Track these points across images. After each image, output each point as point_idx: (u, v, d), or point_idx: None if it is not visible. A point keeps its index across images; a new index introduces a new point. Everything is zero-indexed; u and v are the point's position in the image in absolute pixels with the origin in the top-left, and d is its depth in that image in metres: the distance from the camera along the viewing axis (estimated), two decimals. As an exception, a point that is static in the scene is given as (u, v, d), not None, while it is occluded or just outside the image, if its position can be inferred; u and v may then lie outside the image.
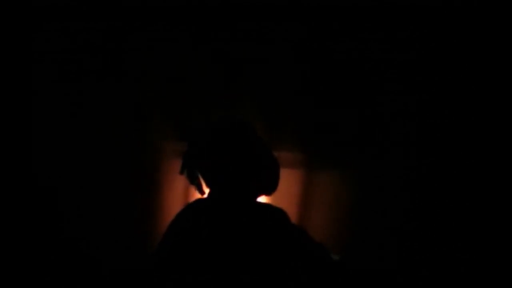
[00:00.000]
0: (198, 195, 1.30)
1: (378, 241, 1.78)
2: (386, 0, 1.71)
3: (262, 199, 1.31)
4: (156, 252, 1.22)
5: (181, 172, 1.27)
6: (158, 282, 1.17)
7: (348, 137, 1.83)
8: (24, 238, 1.80)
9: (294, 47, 1.82)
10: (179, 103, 1.88)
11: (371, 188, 1.82)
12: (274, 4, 1.75)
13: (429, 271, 1.72)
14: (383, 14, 1.74)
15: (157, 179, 1.90)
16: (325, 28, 1.79)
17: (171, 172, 1.88)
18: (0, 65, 1.77)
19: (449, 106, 1.75)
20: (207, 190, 1.28)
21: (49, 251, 1.82)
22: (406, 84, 1.78)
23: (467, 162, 1.72)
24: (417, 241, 1.76)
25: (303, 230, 1.28)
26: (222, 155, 1.20)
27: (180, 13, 1.80)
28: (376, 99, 1.81)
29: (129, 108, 1.87)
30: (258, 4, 1.75)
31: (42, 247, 1.82)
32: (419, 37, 1.75)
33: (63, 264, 1.82)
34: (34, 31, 1.80)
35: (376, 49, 1.77)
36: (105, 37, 1.82)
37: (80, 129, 1.85)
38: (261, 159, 1.24)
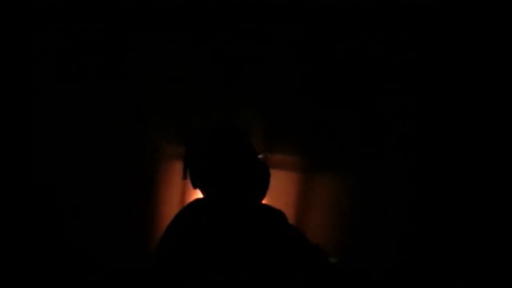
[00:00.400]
0: (196, 196, 1.30)
1: (378, 242, 1.78)
2: (386, 0, 1.71)
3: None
4: (156, 253, 1.22)
5: (184, 177, 1.28)
6: (158, 282, 1.17)
7: (348, 137, 1.83)
8: (24, 238, 1.79)
9: (294, 47, 1.82)
10: (179, 103, 1.88)
11: (371, 188, 1.82)
12: (274, 4, 1.75)
13: (429, 271, 1.72)
14: (383, 14, 1.73)
15: (157, 179, 1.90)
16: (325, 28, 1.79)
17: (171, 172, 1.88)
18: (0, 65, 1.77)
19: (449, 106, 1.75)
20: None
21: (49, 251, 1.82)
22: (406, 84, 1.78)
23: (467, 162, 1.72)
24: (417, 241, 1.76)
25: (300, 231, 1.29)
26: (222, 156, 1.20)
27: (180, 13, 1.80)
28: (376, 99, 1.81)
29: (129, 108, 1.87)
30: (258, 4, 1.75)
31: (42, 247, 1.82)
32: (419, 37, 1.75)
33: (63, 264, 1.82)
34: (34, 31, 1.79)
35: (376, 49, 1.77)
36: (105, 37, 1.82)
37: (80, 129, 1.85)
38: (259, 161, 1.25)
